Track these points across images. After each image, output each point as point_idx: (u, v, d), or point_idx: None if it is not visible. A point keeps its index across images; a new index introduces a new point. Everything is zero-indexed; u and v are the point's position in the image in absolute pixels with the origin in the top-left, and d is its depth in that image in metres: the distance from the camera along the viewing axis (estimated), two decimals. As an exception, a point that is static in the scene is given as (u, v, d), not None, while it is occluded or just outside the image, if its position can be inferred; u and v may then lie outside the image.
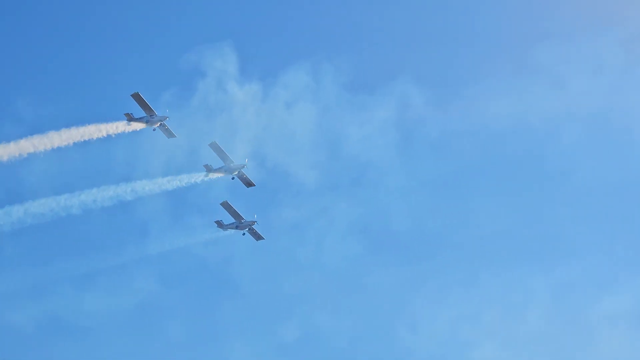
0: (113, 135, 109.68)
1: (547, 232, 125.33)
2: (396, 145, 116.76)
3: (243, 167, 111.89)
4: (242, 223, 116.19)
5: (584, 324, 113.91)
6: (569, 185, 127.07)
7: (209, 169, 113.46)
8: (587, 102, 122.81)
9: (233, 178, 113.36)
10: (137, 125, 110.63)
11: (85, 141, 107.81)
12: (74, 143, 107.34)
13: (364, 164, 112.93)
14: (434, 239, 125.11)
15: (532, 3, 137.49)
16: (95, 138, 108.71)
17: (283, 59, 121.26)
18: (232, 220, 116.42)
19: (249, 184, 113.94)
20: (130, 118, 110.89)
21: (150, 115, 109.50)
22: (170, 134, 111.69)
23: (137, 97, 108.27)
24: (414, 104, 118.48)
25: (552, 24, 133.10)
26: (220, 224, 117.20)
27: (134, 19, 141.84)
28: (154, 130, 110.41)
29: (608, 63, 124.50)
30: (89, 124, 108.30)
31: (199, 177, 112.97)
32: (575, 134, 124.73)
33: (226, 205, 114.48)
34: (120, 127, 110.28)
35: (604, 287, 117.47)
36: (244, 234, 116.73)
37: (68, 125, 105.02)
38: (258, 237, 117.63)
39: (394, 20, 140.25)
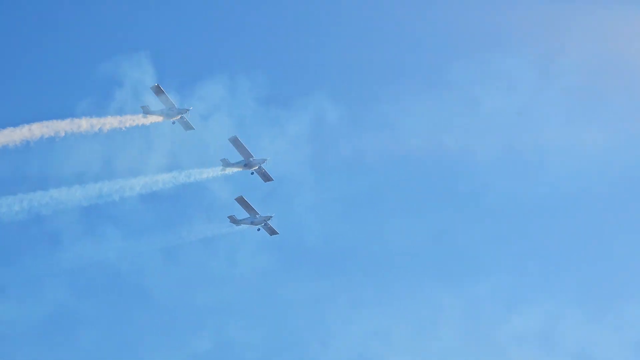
0: (126, 128, 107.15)
1: (458, 250, 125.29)
2: (309, 161, 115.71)
3: (264, 161, 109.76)
4: (257, 218, 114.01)
5: (493, 342, 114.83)
6: (480, 203, 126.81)
7: (225, 164, 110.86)
8: (500, 120, 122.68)
9: (252, 173, 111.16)
10: (154, 118, 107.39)
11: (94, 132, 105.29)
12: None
13: (276, 178, 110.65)
14: (346, 254, 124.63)
15: (447, 21, 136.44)
16: (106, 130, 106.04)
17: (200, 71, 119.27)
18: (247, 215, 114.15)
19: (267, 178, 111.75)
20: (147, 111, 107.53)
21: (170, 108, 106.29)
22: (188, 127, 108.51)
23: (157, 89, 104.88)
24: (329, 119, 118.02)
25: (467, 43, 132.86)
26: (233, 219, 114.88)
27: (51, 26, 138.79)
28: (174, 123, 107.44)
29: (521, 82, 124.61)
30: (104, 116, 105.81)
31: (215, 171, 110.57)
32: (488, 152, 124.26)
33: (241, 201, 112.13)
34: (137, 119, 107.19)
35: (514, 306, 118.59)
36: (259, 229, 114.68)
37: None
38: (272, 231, 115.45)
39: (310, 36, 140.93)
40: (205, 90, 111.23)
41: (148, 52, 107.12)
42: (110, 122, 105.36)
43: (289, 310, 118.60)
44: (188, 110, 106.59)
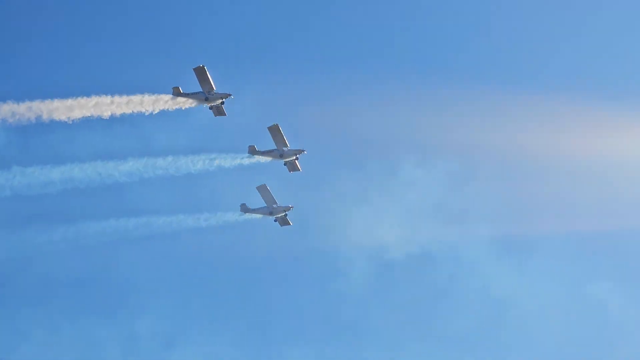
0: (155, 111, 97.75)
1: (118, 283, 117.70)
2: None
3: (301, 152, 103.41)
4: (276, 208, 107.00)
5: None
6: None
7: (253, 151, 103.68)
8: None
9: (285, 164, 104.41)
10: (186, 101, 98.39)
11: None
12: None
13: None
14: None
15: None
16: (132, 111, 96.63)
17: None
18: (263, 204, 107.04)
19: (294, 169, 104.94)
20: (178, 92, 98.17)
21: (209, 92, 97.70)
22: (220, 112, 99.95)
23: (201, 71, 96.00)
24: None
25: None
26: (245, 208, 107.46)
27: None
28: (211, 108, 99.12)
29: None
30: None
31: (243, 158, 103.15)
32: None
33: (263, 189, 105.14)
34: (166, 101, 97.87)
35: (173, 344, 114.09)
36: (275, 219, 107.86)
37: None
38: (284, 222, 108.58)
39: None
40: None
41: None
42: (134, 101, 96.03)
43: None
44: (229, 96, 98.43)
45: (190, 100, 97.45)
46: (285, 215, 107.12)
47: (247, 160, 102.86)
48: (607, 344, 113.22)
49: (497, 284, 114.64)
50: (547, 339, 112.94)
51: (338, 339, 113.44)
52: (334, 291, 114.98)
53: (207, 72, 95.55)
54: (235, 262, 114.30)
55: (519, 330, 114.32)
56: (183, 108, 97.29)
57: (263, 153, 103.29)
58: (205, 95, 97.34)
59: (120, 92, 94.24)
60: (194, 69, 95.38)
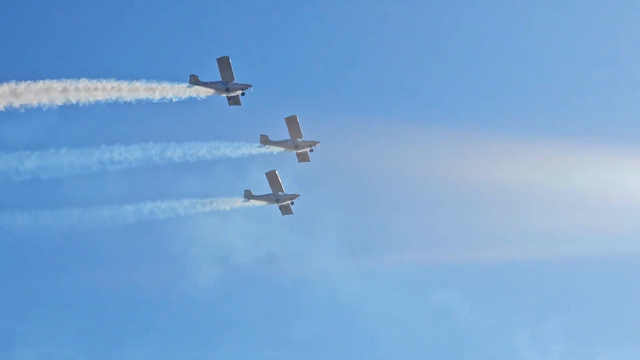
0: (172, 98, 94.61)
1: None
2: None
3: (315, 144, 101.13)
4: (282, 196, 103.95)
5: None
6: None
7: (265, 141, 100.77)
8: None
9: (298, 155, 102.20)
10: (204, 90, 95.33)
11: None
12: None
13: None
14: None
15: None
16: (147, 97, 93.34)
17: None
18: (269, 191, 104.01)
19: (304, 159, 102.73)
20: (196, 81, 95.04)
21: (229, 82, 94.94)
22: (236, 102, 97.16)
23: (224, 61, 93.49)
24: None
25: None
26: (249, 195, 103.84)
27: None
28: (229, 99, 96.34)
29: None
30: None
31: (253, 148, 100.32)
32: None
33: (272, 176, 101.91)
34: (182, 90, 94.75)
35: None
36: (280, 207, 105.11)
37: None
38: (287, 211, 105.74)
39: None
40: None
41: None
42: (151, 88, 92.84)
43: None
44: (250, 86, 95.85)
45: (209, 90, 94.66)
46: (292, 203, 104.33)
47: (258, 150, 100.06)
48: (453, 351, 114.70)
49: (344, 289, 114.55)
50: (393, 344, 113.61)
51: (182, 342, 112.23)
52: (180, 294, 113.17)
53: (230, 63, 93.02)
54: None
55: (365, 335, 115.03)
56: (200, 97, 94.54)
57: (276, 143, 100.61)
58: (225, 85, 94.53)
59: (138, 78, 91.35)
60: (217, 59, 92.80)
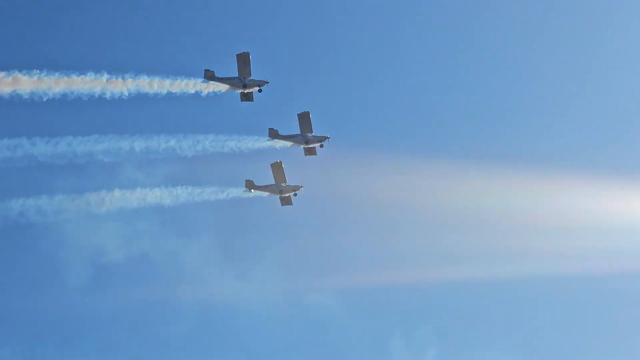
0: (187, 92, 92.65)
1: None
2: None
3: (325, 139, 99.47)
4: (286, 187, 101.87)
5: None
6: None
7: (274, 135, 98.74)
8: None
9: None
10: (220, 86, 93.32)
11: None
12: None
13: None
14: None
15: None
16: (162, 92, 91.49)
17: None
18: (272, 182, 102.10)
19: (311, 153, 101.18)
20: (211, 76, 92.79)
21: (245, 78, 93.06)
22: (249, 98, 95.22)
23: (244, 57, 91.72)
24: None
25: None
26: (251, 185, 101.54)
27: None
28: (245, 95, 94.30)
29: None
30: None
31: (261, 142, 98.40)
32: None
33: (277, 166, 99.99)
34: (198, 85, 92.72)
35: None
36: (281, 198, 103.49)
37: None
38: (287, 202, 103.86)
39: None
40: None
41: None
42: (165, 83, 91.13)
43: None
44: (267, 83, 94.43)
45: (225, 85, 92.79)
46: (295, 194, 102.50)
47: (266, 144, 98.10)
48: (326, 354, 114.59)
49: (218, 290, 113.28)
50: (266, 346, 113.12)
51: (52, 342, 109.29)
52: (50, 295, 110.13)
53: (250, 59, 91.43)
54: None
55: (237, 336, 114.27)
56: (215, 92, 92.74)
57: (285, 137, 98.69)
58: (242, 81, 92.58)
59: (151, 73, 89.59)
60: (237, 55, 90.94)
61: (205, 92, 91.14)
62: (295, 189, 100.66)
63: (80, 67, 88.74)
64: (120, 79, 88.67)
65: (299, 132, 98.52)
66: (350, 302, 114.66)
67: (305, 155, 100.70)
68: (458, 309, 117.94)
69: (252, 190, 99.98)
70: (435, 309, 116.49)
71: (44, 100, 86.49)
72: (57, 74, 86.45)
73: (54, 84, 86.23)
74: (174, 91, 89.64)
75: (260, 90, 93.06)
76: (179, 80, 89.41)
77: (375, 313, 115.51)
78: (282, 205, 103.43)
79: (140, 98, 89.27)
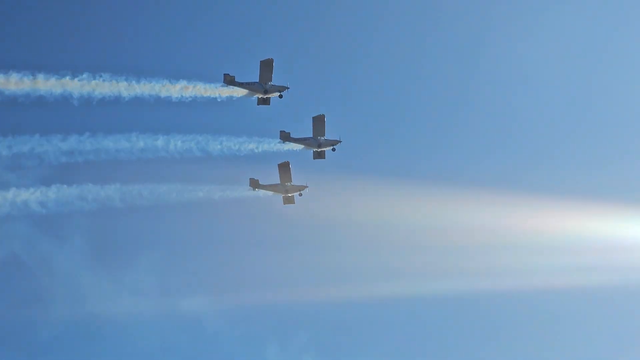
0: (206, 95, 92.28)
1: None
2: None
3: (337, 143, 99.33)
4: (290, 186, 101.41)
5: None
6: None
7: (286, 137, 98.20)
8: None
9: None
10: (240, 91, 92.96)
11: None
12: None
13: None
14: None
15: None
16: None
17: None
18: (277, 181, 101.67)
19: (320, 157, 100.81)
20: (231, 81, 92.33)
21: (266, 83, 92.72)
22: (265, 102, 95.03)
23: (268, 63, 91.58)
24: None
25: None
26: (255, 183, 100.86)
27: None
28: (265, 100, 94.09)
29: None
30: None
31: (273, 144, 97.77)
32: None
33: (284, 167, 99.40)
34: (218, 90, 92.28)
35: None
36: (285, 198, 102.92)
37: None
38: (289, 201, 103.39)
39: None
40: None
41: None
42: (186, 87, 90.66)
43: None
44: (287, 88, 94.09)
45: (243, 90, 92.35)
46: (301, 194, 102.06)
47: (277, 147, 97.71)
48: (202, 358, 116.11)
49: (91, 294, 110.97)
50: (139, 353, 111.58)
51: None
52: None
53: (273, 65, 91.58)
54: None
55: (110, 342, 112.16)
56: (235, 97, 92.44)
57: (296, 140, 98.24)
58: (262, 86, 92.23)
59: (172, 78, 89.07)
60: (261, 61, 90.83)
61: (222, 96, 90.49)
62: (300, 188, 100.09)
63: (93, 69, 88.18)
64: (134, 82, 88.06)
65: (311, 136, 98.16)
66: (222, 308, 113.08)
67: (314, 159, 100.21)
68: (335, 320, 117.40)
69: (256, 189, 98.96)
70: (312, 319, 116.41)
71: (69, 101, 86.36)
72: (84, 75, 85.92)
73: (76, 85, 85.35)
74: (194, 95, 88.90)
75: (281, 96, 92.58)
76: (199, 85, 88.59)
77: (251, 320, 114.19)
78: (284, 204, 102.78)
79: (158, 101, 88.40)
